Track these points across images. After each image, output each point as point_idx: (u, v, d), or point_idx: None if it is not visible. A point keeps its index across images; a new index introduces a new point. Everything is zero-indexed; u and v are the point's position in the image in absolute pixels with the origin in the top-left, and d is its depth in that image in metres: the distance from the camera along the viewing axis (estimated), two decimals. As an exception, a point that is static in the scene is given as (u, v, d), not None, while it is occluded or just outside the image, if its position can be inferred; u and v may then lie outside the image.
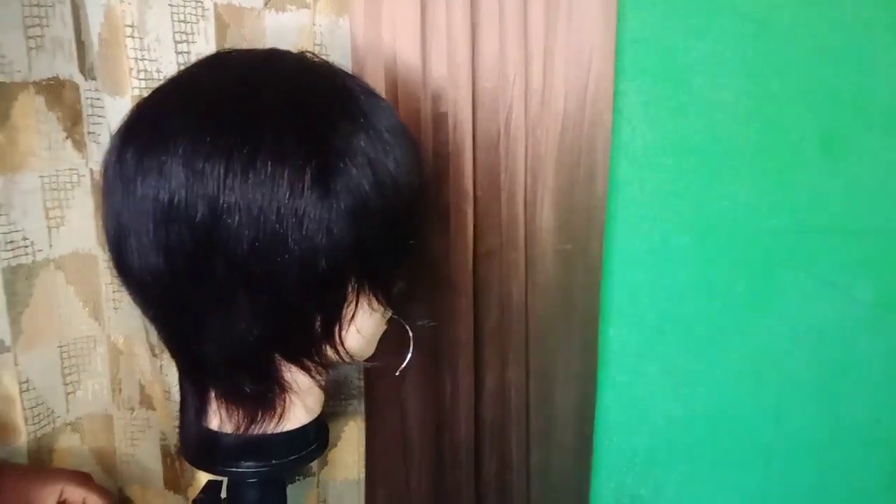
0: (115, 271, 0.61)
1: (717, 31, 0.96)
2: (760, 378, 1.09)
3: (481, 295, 0.94)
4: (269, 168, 0.54)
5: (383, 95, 0.83)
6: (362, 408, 0.96)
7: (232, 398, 0.65)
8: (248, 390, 0.64)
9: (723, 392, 1.10)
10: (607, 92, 0.90)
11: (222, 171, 0.54)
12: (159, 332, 0.64)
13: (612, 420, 1.09)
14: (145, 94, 0.61)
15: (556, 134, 0.90)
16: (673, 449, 1.11)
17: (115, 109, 0.75)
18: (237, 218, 0.55)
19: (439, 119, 0.87)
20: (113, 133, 0.60)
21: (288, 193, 0.55)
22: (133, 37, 0.72)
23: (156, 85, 0.62)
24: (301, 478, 0.97)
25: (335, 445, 0.97)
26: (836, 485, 1.15)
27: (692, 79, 0.97)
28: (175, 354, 0.65)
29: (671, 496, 1.13)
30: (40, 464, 0.85)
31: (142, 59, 0.73)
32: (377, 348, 0.73)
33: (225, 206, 0.55)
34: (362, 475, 0.98)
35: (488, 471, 1.01)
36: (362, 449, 0.98)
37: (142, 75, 0.73)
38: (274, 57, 0.62)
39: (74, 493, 0.77)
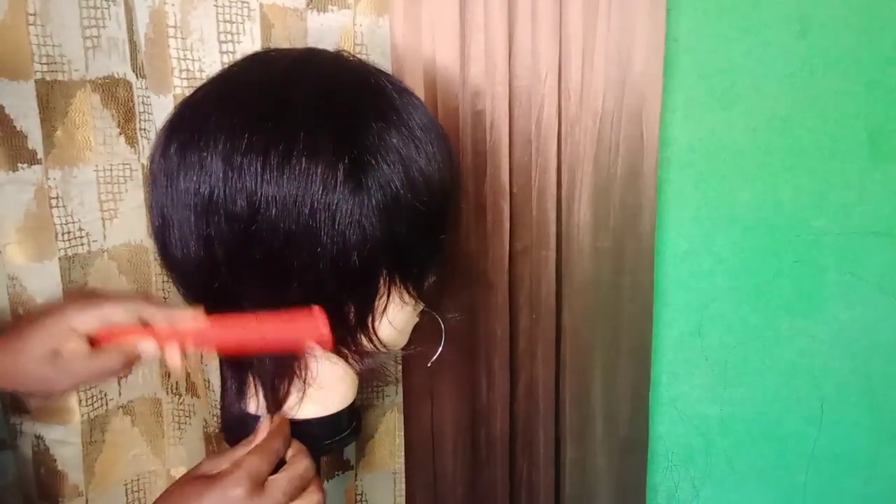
0: (160, 260, 0.65)
1: (761, 29, 0.95)
2: (803, 382, 1.08)
3: (515, 291, 0.95)
4: (304, 164, 0.57)
5: (422, 94, 0.85)
6: (399, 400, 0.98)
7: (268, 384, 0.67)
8: (284, 376, 0.66)
9: (764, 395, 1.08)
10: (653, 91, 0.90)
11: (259, 167, 0.57)
12: (199, 319, 0.67)
13: (650, 419, 1.08)
14: (187, 93, 0.64)
15: (595, 132, 0.91)
16: (711, 451, 1.11)
17: (160, 107, 0.78)
18: (273, 211, 0.57)
19: (477, 117, 0.89)
20: (158, 129, 0.63)
21: (321, 188, 0.57)
22: (176, 37, 0.76)
23: (198, 84, 0.65)
24: (340, 472, 0.99)
25: (372, 437, 0.99)
26: (883, 494, 1.13)
27: (735, 77, 0.97)
28: (214, 340, 0.68)
29: (708, 498, 1.12)
30: (94, 445, 0.89)
31: (184, 59, 0.76)
32: (413, 337, 0.75)
33: (261, 199, 0.57)
34: (398, 467, 1.00)
35: (522, 466, 1.02)
36: (399, 441, 0.99)
37: (184, 74, 0.76)
38: (310, 56, 0.65)
39: (83, 318, 0.61)
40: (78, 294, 0.65)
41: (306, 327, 0.59)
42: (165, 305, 0.62)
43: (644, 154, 0.92)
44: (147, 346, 0.61)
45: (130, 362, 0.61)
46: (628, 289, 0.97)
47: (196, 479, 0.59)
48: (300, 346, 0.64)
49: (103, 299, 0.62)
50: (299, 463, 0.61)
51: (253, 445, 0.62)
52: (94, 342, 0.61)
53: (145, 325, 0.61)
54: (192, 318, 0.61)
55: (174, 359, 0.62)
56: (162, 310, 0.61)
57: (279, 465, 0.62)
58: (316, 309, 0.59)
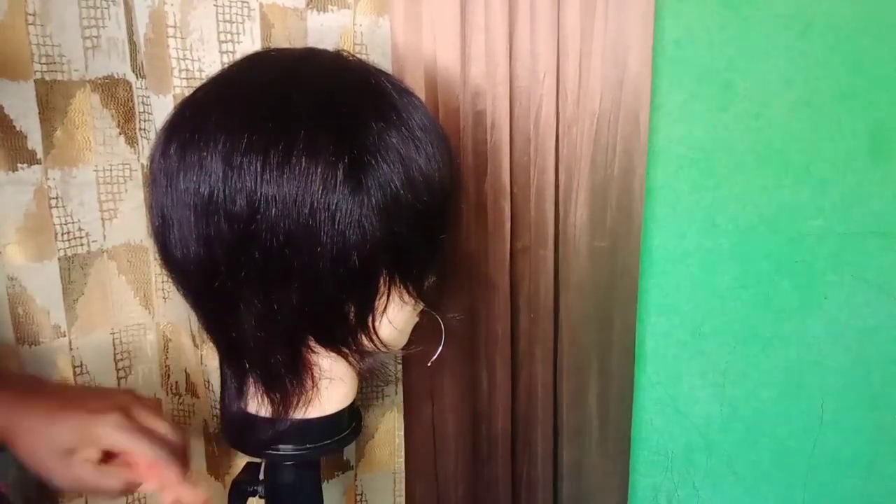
0: (160, 260, 0.65)
1: (761, 29, 0.95)
2: (802, 382, 1.08)
3: (516, 291, 0.95)
4: (304, 164, 0.57)
5: (422, 94, 0.86)
6: (399, 399, 0.98)
7: (268, 383, 0.67)
8: (284, 376, 0.66)
9: (763, 395, 1.09)
10: (645, 91, 0.91)
11: (259, 167, 0.57)
12: (200, 319, 0.67)
13: (648, 420, 1.09)
14: (187, 93, 0.64)
15: (591, 133, 0.91)
16: (711, 451, 1.11)
17: (159, 107, 0.78)
18: (273, 211, 0.57)
19: (478, 117, 0.89)
20: (158, 129, 0.63)
21: (321, 188, 0.57)
22: (175, 37, 0.76)
23: (197, 84, 0.65)
24: (340, 473, 0.99)
25: (372, 437, 1.00)
26: (883, 494, 1.13)
27: (733, 78, 0.97)
28: (214, 340, 0.68)
29: (708, 498, 1.12)
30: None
31: (184, 59, 0.76)
32: (413, 337, 0.75)
33: (261, 199, 0.57)
34: (398, 467, 1.00)
35: (521, 465, 1.02)
36: (399, 441, 0.99)
37: (183, 74, 0.76)
38: (310, 56, 0.65)
39: (114, 439, 0.63)
40: (118, 403, 0.65)
41: None
42: (184, 469, 0.65)
43: (641, 154, 0.93)
44: (150, 488, 0.64)
45: (131, 490, 0.64)
46: (618, 288, 0.98)
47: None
48: None
49: (140, 432, 0.63)
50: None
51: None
52: (106, 456, 0.63)
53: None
54: (194, 499, 0.64)
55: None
56: (177, 476, 0.64)
57: None
58: None
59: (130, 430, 0.63)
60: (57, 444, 0.61)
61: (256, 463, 0.76)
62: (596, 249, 0.95)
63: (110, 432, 0.62)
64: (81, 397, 0.65)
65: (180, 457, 0.66)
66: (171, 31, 0.76)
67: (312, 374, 0.68)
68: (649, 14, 0.88)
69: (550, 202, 0.92)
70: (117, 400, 0.65)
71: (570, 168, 0.92)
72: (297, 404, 0.69)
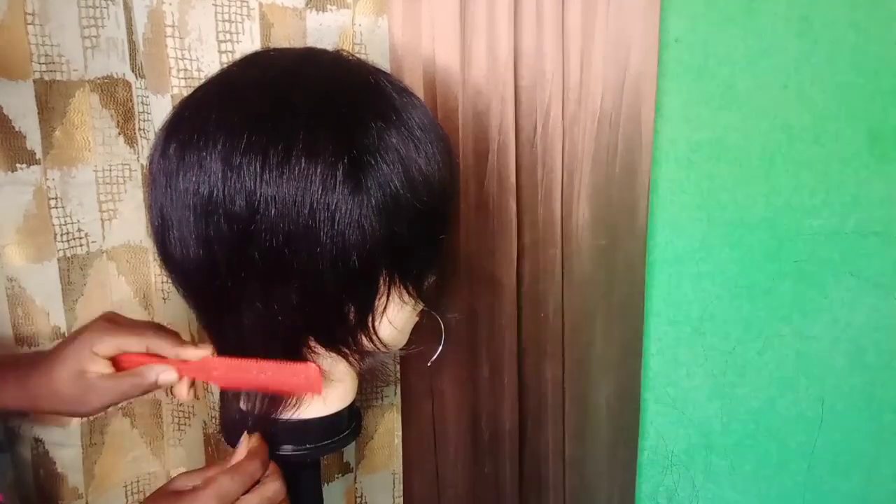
0: (159, 260, 0.65)
1: (761, 29, 0.95)
2: (803, 381, 1.08)
3: (522, 289, 0.95)
4: (303, 164, 0.57)
5: (422, 93, 0.85)
6: (398, 400, 0.98)
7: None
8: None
9: (763, 394, 1.08)
10: (649, 90, 0.91)
11: (258, 167, 0.57)
12: (199, 319, 0.67)
13: (649, 419, 1.09)
14: (185, 93, 0.64)
15: (593, 132, 0.91)
16: (711, 451, 1.11)
17: (158, 107, 0.78)
18: (272, 212, 0.57)
19: (478, 117, 0.89)
20: (158, 129, 0.63)
21: (320, 189, 0.57)
22: (174, 37, 0.75)
23: (196, 84, 0.65)
24: (340, 475, 0.99)
25: (371, 438, 0.99)
26: (883, 494, 1.13)
27: (734, 77, 0.96)
28: (214, 340, 0.68)
29: (708, 498, 1.12)
30: (94, 447, 0.89)
31: (182, 59, 0.76)
32: (413, 337, 0.75)
33: (261, 199, 0.57)
34: (398, 468, 1.00)
35: (523, 464, 1.02)
36: (398, 441, 0.99)
37: (182, 74, 0.76)
38: (309, 56, 0.65)
39: (105, 344, 0.68)
40: (100, 320, 0.70)
41: (302, 382, 0.64)
42: (176, 338, 0.69)
43: (643, 153, 0.93)
44: (166, 374, 0.67)
45: (151, 387, 0.68)
46: (621, 286, 0.98)
47: (168, 494, 0.61)
48: (292, 394, 0.68)
49: (120, 327, 0.69)
50: (271, 484, 0.64)
51: (229, 465, 0.64)
52: (118, 366, 0.68)
53: (155, 354, 0.68)
54: (197, 353, 0.68)
55: (181, 390, 0.69)
56: (171, 342, 0.68)
57: None
58: (313, 366, 0.63)
59: (115, 330, 0.68)
60: (66, 375, 0.66)
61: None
62: (596, 248, 0.95)
63: (99, 338, 0.67)
64: (66, 339, 0.69)
65: (170, 334, 0.70)
66: (169, 30, 0.75)
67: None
68: (654, 13, 0.88)
69: (558, 202, 0.92)
70: (96, 319, 0.70)
71: (572, 167, 0.92)
72: (297, 404, 0.69)
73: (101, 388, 0.66)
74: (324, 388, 0.69)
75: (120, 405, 0.91)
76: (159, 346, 0.68)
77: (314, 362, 0.64)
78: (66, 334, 0.84)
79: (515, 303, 0.94)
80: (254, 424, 0.69)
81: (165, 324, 0.90)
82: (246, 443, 0.66)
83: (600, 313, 0.98)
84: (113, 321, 0.70)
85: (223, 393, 0.73)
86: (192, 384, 0.70)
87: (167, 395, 0.94)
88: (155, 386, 0.68)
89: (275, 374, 0.64)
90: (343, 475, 0.99)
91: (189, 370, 0.68)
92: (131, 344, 0.68)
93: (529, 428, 1.01)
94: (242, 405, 0.70)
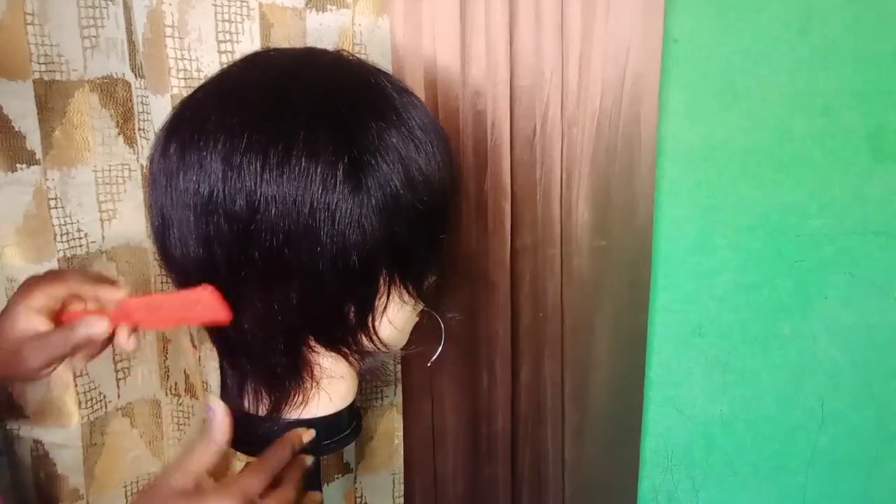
0: (159, 260, 0.65)
1: (761, 29, 0.95)
2: (803, 381, 1.08)
3: (517, 290, 0.95)
4: (303, 164, 0.57)
5: (422, 94, 0.85)
6: (398, 400, 0.98)
7: (268, 383, 0.67)
8: (284, 376, 0.66)
9: (764, 395, 1.08)
10: (650, 90, 0.91)
11: (258, 167, 0.57)
12: (199, 319, 0.67)
13: (649, 419, 1.09)
14: (185, 93, 0.64)
15: (592, 132, 0.91)
16: (711, 451, 1.11)
17: (158, 107, 0.78)
18: (273, 211, 0.57)
19: (478, 117, 0.89)
20: (158, 129, 0.63)
21: (321, 188, 0.57)
22: (173, 37, 0.75)
23: (196, 84, 0.65)
24: (340, 476, 0.99)
25: (371, 438, 0.99)
26: (883, 494, 1.13)
27: (735, 77, 0.97)
28: (214, 340, 0.68)
29: (708, 498, 1.12)
30: (94, 448, 0.89)
31: (182, 59, 0.76)
32: (413, 337, 0.75)
33: (261, 199, 0.57)
34: (398, 468, 1.00)
35: (523, 464, 1.02)
36: (398, 442, 0.99)
37: (181, 74, 0.76)
38: (309, 56, 0.65)
39: (37, 297, 0.65)
40: (34, 277, 0.67)
41: (203, 309, 0.61)
42: (98, 280, 0.66)
43: (642, 153, 0.93)
44: (96, 324, 0.63)
45: (83, 339, 0.63)
46: (623, 286, 0.98)
47: (174, 495, 0.59)
48: (201, 323, 0.67)
49: (48, 277, 0.66)
50: (291, 485, 0.64)
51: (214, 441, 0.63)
52: (58, 321, 0.65)
53: (81, 298, 0.65)
54: (114, 293, 0.65)
55: (120, 338, 0.64)
56: (91, 284, 0.65)
57: None
58: (208, 290, 0.60)
59: (44, 280, 0.65)
60: (11, 335, 0.63)
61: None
62: (595, 249, 0.95)
63: (30, 292, 0.64)
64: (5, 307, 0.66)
65: (92, 276, 0.67)
66: (168, 30, 0.75)
67: (312, 373, 0.68)
68: (657, 14, 0.88)
69: (557, 201, 0.92)
70: (26, 280, 0.67)
71: (571, 168, 0.92)
72: (297, 404, 0.69)
73: (35, 345, 0.63)
74: (324, 388, 0.69)
75: (119, 405, 0.91)
76: (81, 288, 0.65)
77: (210, 286, 0.61)
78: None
79: (509, 303, 0.94)
80: (255, 425, 0.69)
81: (165, 324, 0.90)
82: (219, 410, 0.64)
83: (602, 313, 0.98)
84: (46, 273, 0.67)
85: (223, 392, 0.73)
86: (134, 331, 0.65)
87: (167, 394, 0.93)
88: (89, 339, 0.64)
89: (180, 306, 0.63)
90: (343, 475, 0.99)
91: (116, 318, 0.64)
92: (56, 290, 0.65)
93: (529, 428, 1.01)
94: (247, 406, 0.70)
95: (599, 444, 1.03)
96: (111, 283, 0.66)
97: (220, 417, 0.62)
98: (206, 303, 0.60)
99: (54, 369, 0.66)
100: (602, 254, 0.95)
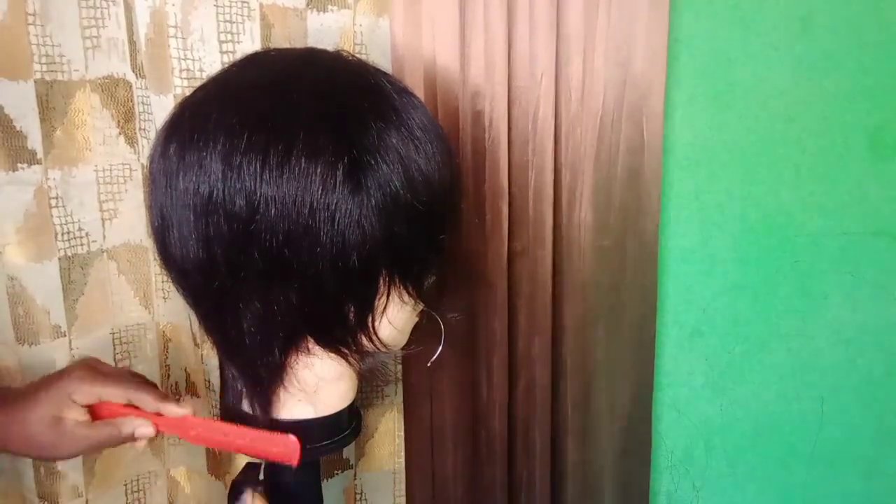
0: (159, 260, 0.65)
1: (762, 29, 0.95)
2: (803, 382, 1.08)
3: (515, 291, 0.95)
4: (303, 164, 0.57)
5: (422, 94, 0.86)
6: (399, 399, 0.98)
7: (268, 383, 0.67)
8: (284, 376, 0.67)
9: (763, 395, 1.09)
10: (655, 90, 0.91)
11: (258, 167, 0.57)
12: (199, 319, 0.67)
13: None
14: (188, 93, 0.64)
15: (595, 132, 0.91)
16: (711, 451, 1.11)
17: (160, 107, 0.78)
18: (272, 212, 0.57)
19: (477, 117, 0.89)
20: (158, 129, 0.63)
21: (320, 189, 0.57)
22: (176, 37, 0.76)
23: (198, 83, 0.65)
24: (339, 472, 0.99)
25: (372, 437, 1.00)
26: (883, 494, 1.13)
27: (736, 78, 0.97)
28: (214, 340, 0.68)
29: (708, 498, 1.12)
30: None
31: (184, 59, 0.76)
32: (413, 337, 0.75)
33: (261, 199, 0.57)
34: (398, 466, 1.00)
35: (521, 464, 1.02)
36: (399, 440, 1.00)
37: (184, 74, 0.76)
38: (309, 56, 0.65)
39: (85, 391, 0.66)
40: (80, 366, 0.68)
41: (280, 452, 0.66)
42: (157, 392, 0.68)
43: (645, 154, 0.93)
44: (144, 429, 0.67)
45: (127, 438, 0.67)
46: (630, 288, 0.97)
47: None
48: (268, 460, 0.70)
49: (101, 376, 0.67)
50: None
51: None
52: (94, 415, 0.67)
53: (136, 407, 0.68)
54: (178, 411, 0.67)
55: (151, 441, 0.69)
56: (153, 397, 0.67)
57: None
58: (292, 438, 0.65)
59: (96, 379, 0.67)
60: (41, 419, 0.64)
61: (256, 463, 0.76)
62: (600, 249, 0.95)
63: (78, 386, 0.65)
64: (43, 380, 0.68)
65: (151, 387, 0.69)
66: (172, 31, 0.76)
67: (312, 373, 0.68)
68: (662, 14, 0.88)
69: (549, 203, 0.92)
70: (77, 364, 0.69)
71: (575, 168, 0.92)
72: (297, 404, 0.69)
73: (77, 436, 0.65)
74: (323, 389, 0.69)
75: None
76: (140, 399, 0.67)
77: (294, 436, 0.65)
78: (66, 333, 0.84)
79: (506, 304, 0.94)
80: (255, 425, 0.69)
81: (166, 324, 0.91)
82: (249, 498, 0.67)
83: (608, 314, 0.98)
84: (93, 369, 0.68)
85: (223, 391, 0.74)
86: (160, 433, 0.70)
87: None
88: (131, 438, 0.67)
89: (253, 441, 0.66)
90: (343, 472, 0.99)
91: (167, 426, 0.68)
92: (113, 395, 0.67)
93: (520, 430, 1.01)
94: (245, 407, 0.70)
95: (608, 449, 1.03)
96: (171, 398, 0.69)
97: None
98: (288, 449, 0.65)
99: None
100: (607, 254, 0.95)
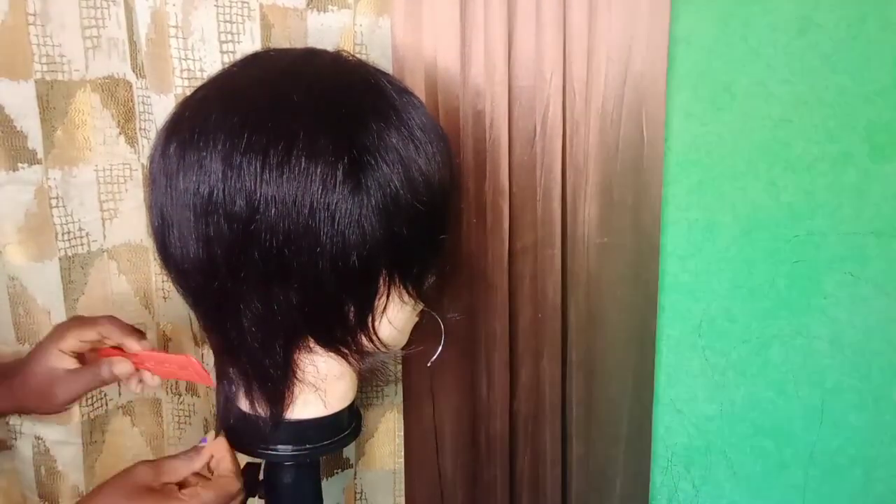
0: (159, 260, 0.65)
1: (762, 29, 0.95)
2: (803, 381, 1.08)
3: (516, 290, 0.95)
4: (303, 164, 0.57)
5: (422, 94, 0.86)
6: (399, 399, 0.98)
7: (268, 383, 0.67)
8: (284, 376, 0.67)
9: (764, 394, 1.08)
10: (656, 89, 0.91)
11: (258, 167, 0.57)
12: (199, 319, 0.67)
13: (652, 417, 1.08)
14: (189, 93, 0.64)
15: (597, 131, 0.91)
16: (711, 449, 1.11)
17: (161, 107, 0.78)
18: (272, 212, 0.57)
19: (478, 117, 0.89)
20: (158, 129, 0.63)
21: (320, 189, 0.57)
22: (177, 37, 0.76)
23: (199, 83, 0.65)
24: (339, 471, 0.99)
25: (372, 436, 1.00)
26: (883, 494, 1.13)
27: (737, 76, 0.96)
28: (213, 340, 0.68)
29: (708, 498, 1.12)
30: (94, 445, 0.90)
31: (185, 59, 0.76)
32: (413, 337, 0.75)
33: (261, 199, 0.57)
34: (398, 466, 1.01)
35: (522, 463, 1.02)
36: (399, 440, 1.00)
37: (185, 74, 0.77)
38: (309, 56, 0.65)
39: (69, 340, 0.73)
40: (66, 321, 0.77)
41: (192, 374, 0.72)
42: (127, 329, 0.74)
43: (644, 152, 0.93)
44: (121, 365, 0.73)
45: (110, 377, 0.73)
46: (631, 285, 0.98)
47: (139, 489, 0.64)
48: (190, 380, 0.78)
49: (79, 321, 0.75)
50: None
51: (196, 463, 0.69)
52: (83, 361, 0.74)
53: (110, 343, 0.74)
54: (135, 345, 0.73)
55: (146, 377, 0.75)
56: (121, 332, 0.73)
57: None
58: (192, 359, 0.70)
59: (75, 325, 0.74)
60: (38, 372, 0.72)
61: (256, 463, 0.76)
62: (603, 247, 0.95)
63: (62, 335, 0.73)
64: (37, 344, 0.75)
65: (121, 325, 0.74)
66: (173, 31, 0.76)
67: (313, 373, 0.68)
68: (663, 13, 0.88)
69: (558, 201, 0.92)
70: (62, 322, 0.76)
71: (578, 167, 0.92)
72: (297, 404, 0.69)
73: (65, 381, 0.72)
74: (323, 389, 0.69)
75: (120, 403, 0.92)
76: (111, 333, 0.73)
77: (192, 356, 0.70)
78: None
79: (507, 304, 0.94)
80: (255, 425, 0.69)
81: (166, 323, 0.91)
82: (211, 444, 0.70)
83: (610, 312, 0.98)
84: (77, 319, 0.76)
85: (220, 391, 0.74)
86: (140, 378, 0.75)
87: (168, 393, 0.94)
88: (113, 377, 0.73)
89: (174, 367, 0.73)
90: (343, 470, 0.99)
91: (137, 362, 0.74)
92: (87, 334, 0.73)
93: (522, 429, 1.01)
94: (243, 406, 0.70)
95: (608, 444, 1.03)
96: (138, 334, 0.75)
97: (208, 447, 0.70)
98: (195, 369, 0.70)
99: (75, 403, 0.76)
100: (609, 252, 0.95)
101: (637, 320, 0.99)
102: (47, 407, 0.74)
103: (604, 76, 0.90)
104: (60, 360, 0.72)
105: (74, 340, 0.73)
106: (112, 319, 0.74)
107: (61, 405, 0.73)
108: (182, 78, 0.77)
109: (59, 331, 0.73)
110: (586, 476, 1.04)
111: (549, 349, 0.97)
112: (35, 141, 0.79)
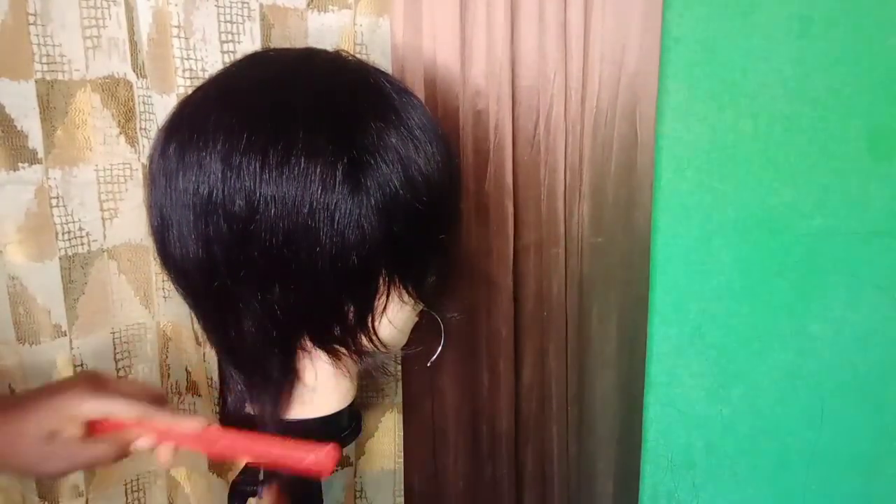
0: (159, 260, 0.65)
1: (761, 29, 0.95)
2: (802, 382, 1.08)
3: (520, 289, 0.95)
4: (303, 164, 0.57)
5: (422, 94, 0.86)
6: (399, 399, 0.98)
7: (268, 383, 0.67)
8: (283, 376, 0.67)
9: (763, 395, 1.08)
10: (648, 89, 0.91)
11: (258, 167, 0.57)
12: (198, 319, 0.67)
13: (649, 419, 1.09)
14: (190, 93, 0.64)
15: (591, 130, 0.91)
16: (711, 451, 1.11)
17: (162, 107, 0.78)
18: (272, 212, 0.58)
19: (478, 116, 0.89)
20: (158, 129, 0.63)
21: (320, 189, 0.57)
22: (179, 37, 0.76)
23: (200, 83, 0.65)
24: (339, 468, 0.99)
25: (372, 435, 1.00)
26: (883, 494, 1.13)
27: (733, 78, 0.96)
28: (213, 340, 0.68)
29: (708, 498, 1.12)
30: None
31: (187, 59, 0.76)
32: (413, 337, 0.75)
33: (260, 199, 0.57)
34: (398, 465, 1.01)
35: (525, 462, 1.02)
36: (399, 439, 1.00)
37: (187, 74, 0.77)
38: (309, 56, 0.65)
39: (89, 406, 0.62)
40: (82, 381, 0.64)
41: (312, 463, 0.61)
42: (172, 410, 0.65)
43: (638, 151, 0.93)
44: (143, 444, 0.64)
45: (123, 455, 0.64)
46: (622, 283, 0.98)
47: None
48: (298, 472, 0.63)
49: (108, 392, 0.63)
50: None
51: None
52: (91, 429, 0.63)
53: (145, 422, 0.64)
54: (193, 425, 0.63)
55: (165, 455, 0.65)
56: (167, 415, 0.64)
57: None
58: (329, 447, 0.61)
59: (100, 394, 0.63)
60: (36, 433, 0.60)
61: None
62: (593, 246, 0.95)
63: (81, 402, 0.62)
64: (41, 390, 0.64)
65: (162, 402, 0.65)
66: (175, 30, 0.76)
67: (313, 373, 0.68)
68: (656, 13, 0.88)
69: (561, 201, 0.92)
70: (78, 377, 0.66)
71: (574, 166, 0.92)
72: (296, 404, 0.69)
73: (70, 453, 0.61)
74: (323, 389, 0.69)
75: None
76: (152, 415, 0.64)
77: (337, 446, 0.62)
78: (67, 333, 0.84)
79: (512, 303, 0.94)
80: (255, 425, 0.70)
81: (166, 323, 0.91)
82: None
83: (602, 311, 0.98)
84: (98, 383, 0.64)
85: (223, 391, 0.74)
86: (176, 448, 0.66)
87: (168, 393, 0.94)
88: (126, 455, 0.64)
89: (283, 453, 0.62)
90: (342, 469, 0.99)
91: (185, 440, 0.64)
92: (121, 411, 0.63)
93: (524, 428, 1.01)
94: (246, 405, 0.70)
95: (600, 442, 1.03)
96: (161, 400, 0.65)
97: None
98: (322, 459, 0.60)
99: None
100: (600, 251, 0.96)
101: (628, 320, 1.00)
102: (29, 472, 0.65)
103: (598, 75, 0.90)
104: (68, 426, 0.61)
105: (99, 414, 0.62)
106: (151, 397, 0.65)
107: (52, 476, 0.65)
108: (184, 78, 0.77)
109: (76, 393, 0.62)
110: (583, 476, 1.04)
111: (555, 347, 0.97)
112: (35, 141, 0.79)
